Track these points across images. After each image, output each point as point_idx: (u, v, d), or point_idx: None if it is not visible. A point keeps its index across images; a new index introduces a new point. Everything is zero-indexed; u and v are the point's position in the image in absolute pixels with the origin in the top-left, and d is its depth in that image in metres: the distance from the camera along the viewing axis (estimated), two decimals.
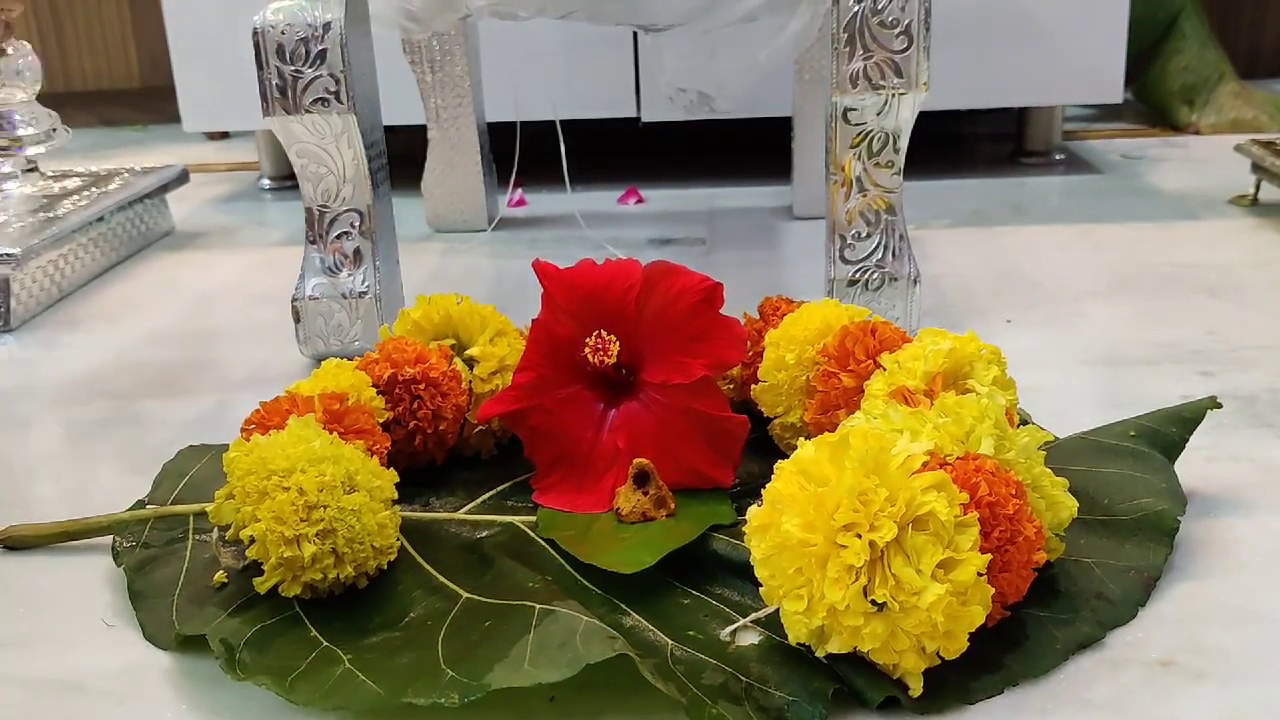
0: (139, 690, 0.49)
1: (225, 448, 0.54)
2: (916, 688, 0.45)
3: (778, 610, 0.46)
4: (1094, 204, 1.19)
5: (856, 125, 0.77)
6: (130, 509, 0.61)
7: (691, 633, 0.49)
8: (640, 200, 1.27)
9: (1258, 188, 1.13)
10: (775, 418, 0.63)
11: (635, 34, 1.25)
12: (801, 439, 0.50)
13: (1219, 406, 0.61)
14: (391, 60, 1.04)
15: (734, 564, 0.53)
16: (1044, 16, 1.23)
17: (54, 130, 1.07)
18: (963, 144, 1.50)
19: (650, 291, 0.60)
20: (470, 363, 0.66)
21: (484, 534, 0.58)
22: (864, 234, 0.80)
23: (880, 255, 0.80)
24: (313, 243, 0.82)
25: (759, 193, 1.27)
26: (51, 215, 1.03)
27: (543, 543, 0.56)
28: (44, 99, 1.10)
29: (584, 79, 1.27)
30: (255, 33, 0.77)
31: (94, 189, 1.12)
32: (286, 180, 1.39)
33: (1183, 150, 1.40)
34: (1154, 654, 0.48)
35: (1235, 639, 0.49)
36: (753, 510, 0.47)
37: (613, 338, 0.60)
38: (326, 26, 0.77)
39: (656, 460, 0.57)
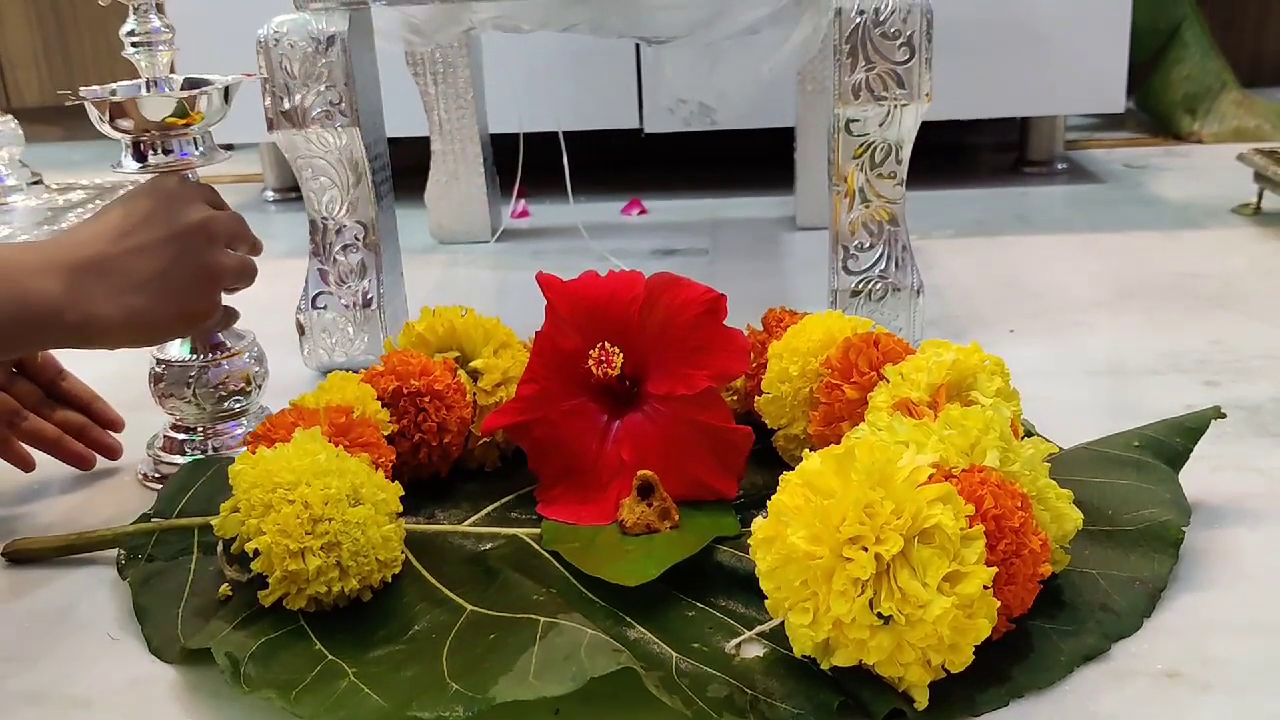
0: (144, 704, 0.49)
1: (231, 460, 0.54)
2: (922, 700, 0.44)
3: (783, 622, 0.46)
4: (1097, 213, 1.19)
5: (859, 136, 0.77)
6: (135, 522, 0.61)
7: (696, 645, 0.49)
8: (643, 211, 1.28)
9: (1260, 196, 1.13)
10: (779, 429, 0.63)
11: (638, 46, 1.26)
12: (806, 450, 0.50)
13: (1223, 416, 0.61)
14: (395, 72, 1.04)
15: (739, 576, 0.53)
16: (1045, 27, 1.24)
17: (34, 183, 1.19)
18: (965, 154, 1.50)
19: (654, 303, 0.60)
20: (474, 375, 0.66)
21: (488, 546, 0.58)
22: (867, 244, 0.80)
23: (883, 266, 0.80)
24: (317, 255, 0.82)
25: (762, 203, 1.28)
26: (57, 228, 1.03)
27: (547, 555, 0.56)
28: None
29: (587, 91, 1.27)
30: (259, 45, 0.78)
31: (99, 201, 1.12)
32: (290, 192, 1.40)
33: (1185, 159, 1.40)
34: (1160, 665, 0.48)
35: (1241, 650, 0.49)
36: (758, 522, 0.47)
37: (616, 350, 0.60)
38: (330, 40, 0.77)
39: (660, 472, 0.57)
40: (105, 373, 0.87)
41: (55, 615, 0.56)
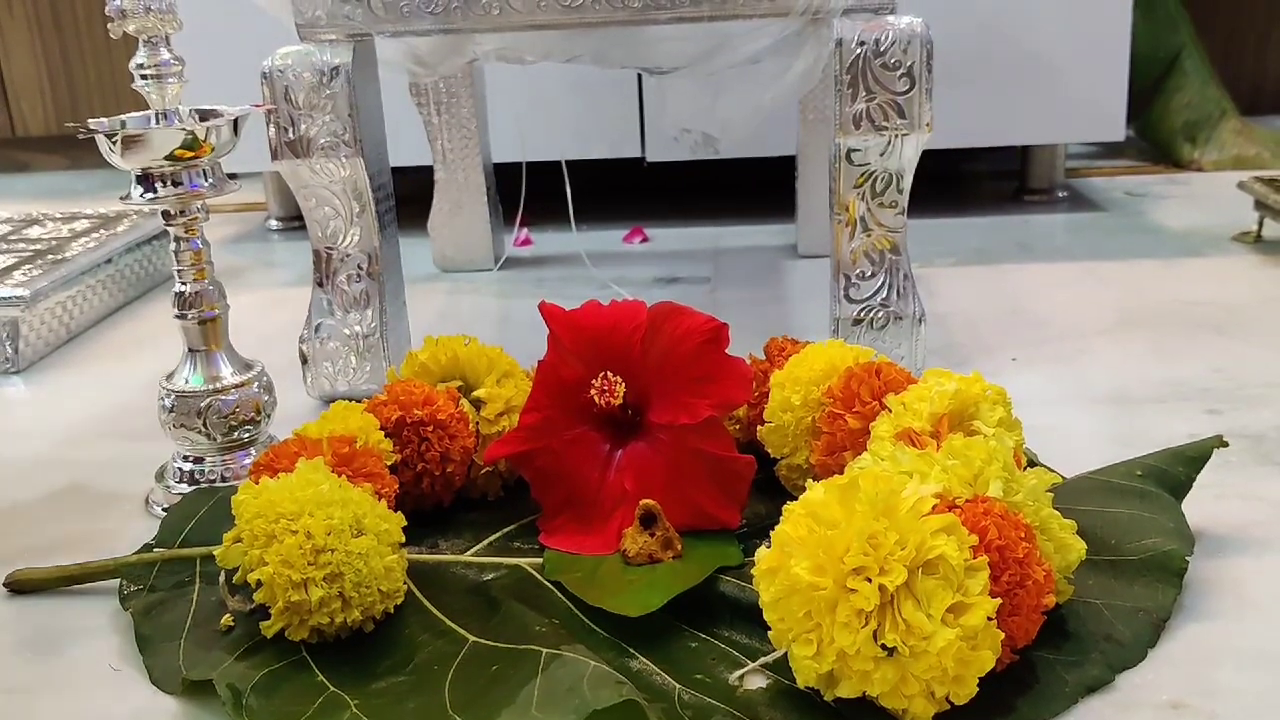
0: None
1: (233, 490, 0.54)
2: None
3: (786, 654, 0.46)
4: (1098, 241, 1.19)
5: (860, 166, 0.78)
6: (137, 552, 0.61)
7: (699, 676, 0.49)
8: (645, 239, 1.28)
9: (1261, 225, 1.13)
10: (782, 458, 0.63)
11: (640, 76, 1.26)
12: (809, 480, 0.50)
13: (1226, 445, 0.61)
14: (399, 102, 1.05)
15: (742, 606, 0.53)
16: (1046, 55, 1.24)
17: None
18: (966, 182, 1.51)
19: (656, 332, 0.60)
20: (477, 404, 0.66)
21: (491, 576, 0.58)
22: (868, 273, 0.80)
23: (885, 294, 0.80)
24: (320, 284, 0.83)
25: (763, 231, 1.28)
26: (60, 257, 1.04)
27: (550, 585, 0.56)
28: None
29: (589, 120, 1.28)
30: (264, 76, 0.78)
31: (102, 231, 1.13)
32: (294, 221, 1.40)
33: (1186, 187, 1.40)
34: (1165, 696, 0.48)
35: (1247, 680, 0.48)
36: (761, 552, 0.47)
37: (619, 379, 0.60)
38: (334, 71, 0.78)
39: (663, 501, 0.57)
40: (114, 402, 0.87)
41: (56, 646, 0.55)
